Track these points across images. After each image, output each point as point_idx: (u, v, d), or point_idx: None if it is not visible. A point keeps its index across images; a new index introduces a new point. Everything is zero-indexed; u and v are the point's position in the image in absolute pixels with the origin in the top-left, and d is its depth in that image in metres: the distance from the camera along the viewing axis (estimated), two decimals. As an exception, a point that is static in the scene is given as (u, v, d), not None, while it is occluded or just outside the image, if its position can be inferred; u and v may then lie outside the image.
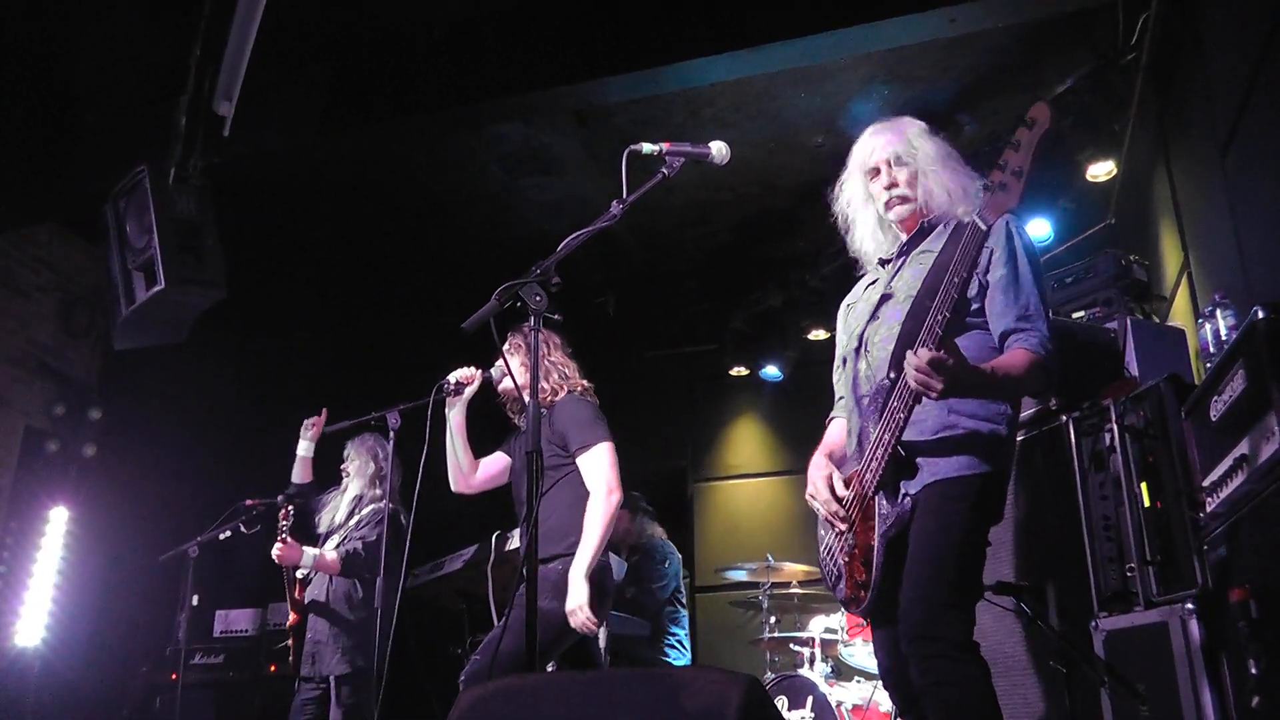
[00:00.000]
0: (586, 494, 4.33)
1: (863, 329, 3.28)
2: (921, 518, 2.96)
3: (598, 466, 4.30)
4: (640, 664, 6.81)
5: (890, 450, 2.97)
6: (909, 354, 2.78)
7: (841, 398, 3.50)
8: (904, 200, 3.29)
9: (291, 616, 6.01)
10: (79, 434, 7.69)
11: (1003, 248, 3.11)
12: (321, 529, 6.16)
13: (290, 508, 5.89)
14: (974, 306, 3.11)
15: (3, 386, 7.33)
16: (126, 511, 7.72)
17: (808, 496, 3.29)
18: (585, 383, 4.63)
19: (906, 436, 3.00)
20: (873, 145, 3.37)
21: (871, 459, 3.03)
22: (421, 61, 5.96)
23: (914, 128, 3.37)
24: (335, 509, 6.18)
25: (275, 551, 5.77)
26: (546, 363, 4.53)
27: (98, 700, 7.50)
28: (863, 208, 3.44)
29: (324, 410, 6.04)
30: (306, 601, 5.97)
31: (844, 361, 3.43)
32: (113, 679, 7.62)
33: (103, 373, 8.05)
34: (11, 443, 7.38)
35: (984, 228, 2.83)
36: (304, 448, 6.13)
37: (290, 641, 6.02)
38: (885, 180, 3.31)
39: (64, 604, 7.34)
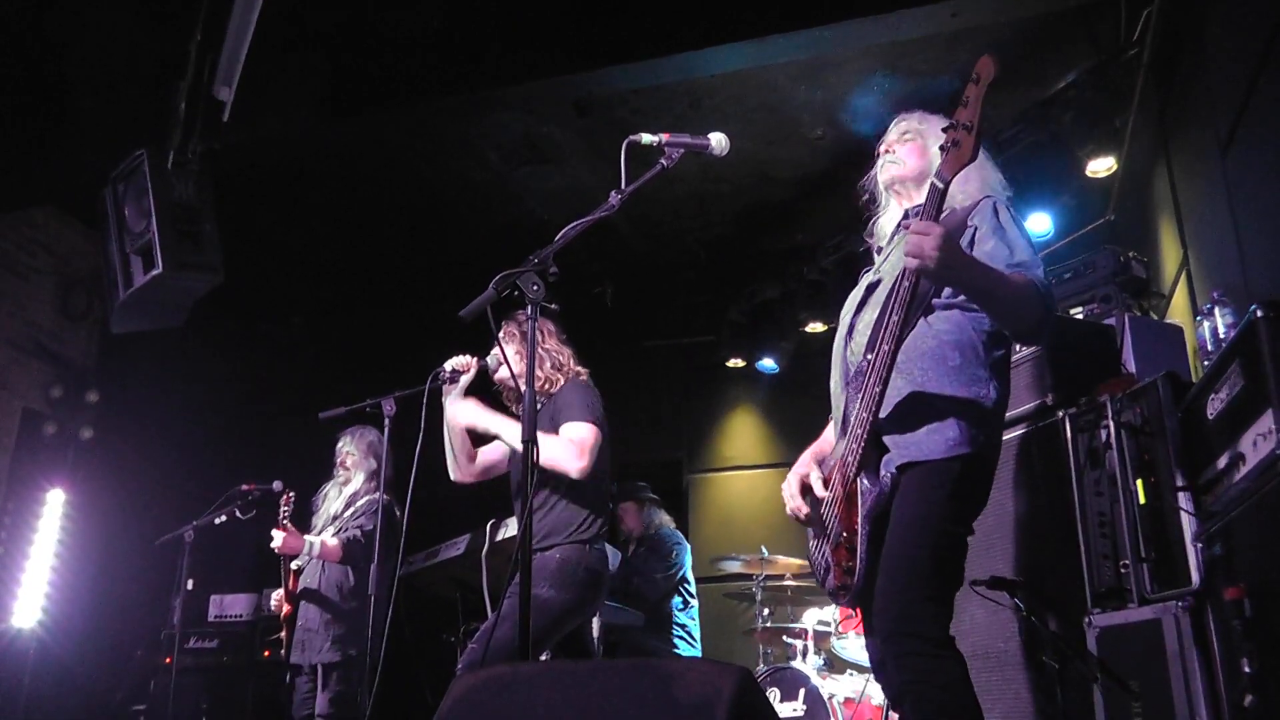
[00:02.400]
0: (584, 482, 4.32)
1: (852, 317, 3.28)
2: (899, 506, 2.93)
3: (577, 434, 4.26)
4: (638, 653, 6.83)
5: (868, 428, 2.95)
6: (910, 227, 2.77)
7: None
8: (892, 162, 3.36)
9: (286, 608, 6.01)
10: (76, 417, 7.69)
11: (988, 221, 3.11)
12: (319, 524, 6.16)
13: (291, 494, 5.88)
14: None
15: (0, 368, 7.33)
16: (123, 494, 7.73)
17: (783, 491, 3.30)
18: (581, 369, 4.62)
19: (882, 414, 2.98)
20: (893, 127, 3.44)
21: (852, 439, 3.01)
22: (421, 49, 5.94)
23: (928, 115, 3.42)
24: (332, 501, 6.18)
25: (277, 540, 5.76)
26: (541, 350, 4.51)
27: (93, 682, 7.51)
28: (884, 195, 3.49)
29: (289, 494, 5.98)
30: (299, 590, 5.98)
31: (835, 350, 3.44)
32: (108, 661, 7.63)
33: (100, 356, 8.05)
34: (9, 425, 7.38)
35: (940, 185, 2.82)
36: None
37: (284, 633, 6.03)
38: (884, 147, 3.39)
39: (60, 586, 7.34)
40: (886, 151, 3.38)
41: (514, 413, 4.67)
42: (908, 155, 3.33)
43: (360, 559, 5.86)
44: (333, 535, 5.92)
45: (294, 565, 6.02)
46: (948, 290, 3.08)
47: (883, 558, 2.90)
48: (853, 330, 3.25)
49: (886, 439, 3.02)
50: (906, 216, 3.33)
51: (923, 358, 3.04)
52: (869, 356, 2.99)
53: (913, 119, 3.40)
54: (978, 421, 2.99)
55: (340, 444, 6.27)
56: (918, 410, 3.00)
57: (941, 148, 2.84)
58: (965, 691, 2.76)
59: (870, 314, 3.17)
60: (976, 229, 3.11)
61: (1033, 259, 3.04)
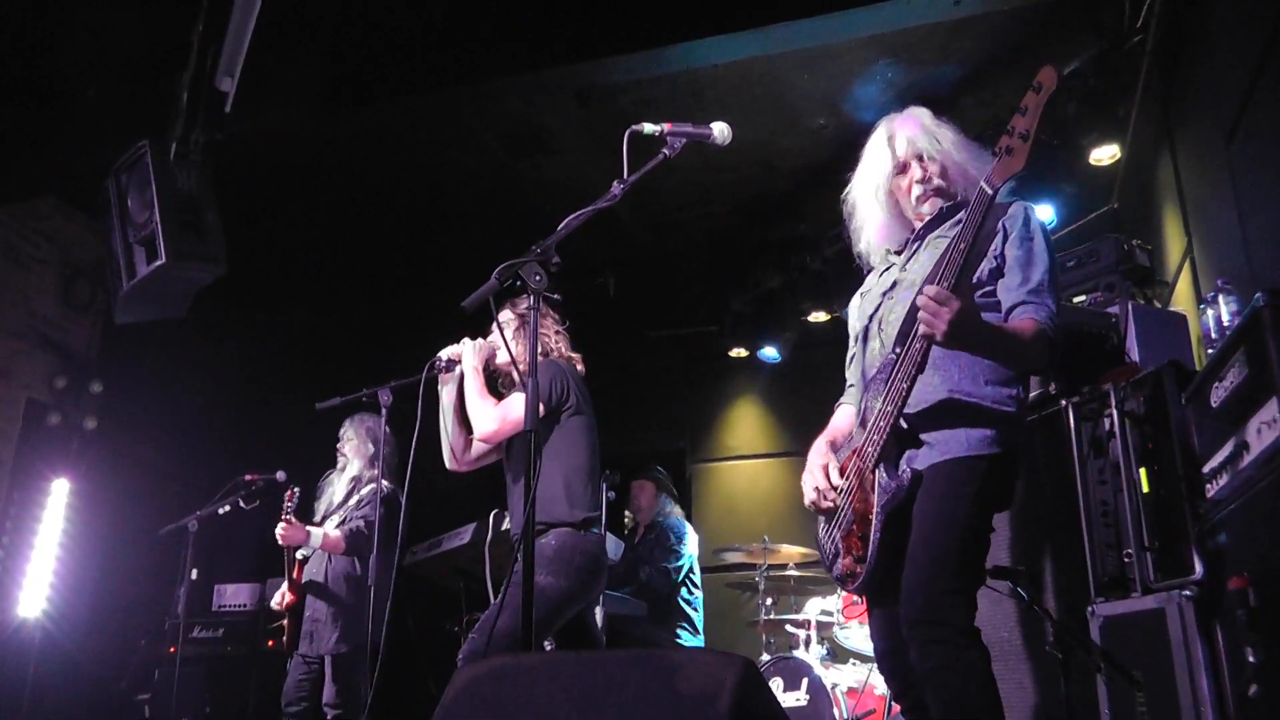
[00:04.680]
0: (574, 464, 4.32)
1: (875, 312, 3.28)
2: (925, 500, 2.95)
3: (508, 405, 4.31)
4: (641, 643, 6.83)
5: (892, 422, 2.96)
6: (921, 290, 2.75)
7: (852, 385, 3.49)
8: (939, 192, 3.26)
9: (289, 597, 6.02)
10: (80, 407, 7.70)
11: (1018, 229, 3.11)
12: (320, 510, 6.17)
13: (295, 490, 5.90)
14: (985, 288, 3.10)
15: (4, 359, 7.33)
16: (127, 485, 7.74)
17: (802, 481, 3.29)
18: (573, 354, 4.61)
19: (910, 410, 2.99)
20: (900, 140, 3.32)
21: (874, 431, 3.02)
22: (422, 40, 5.93)
23: (928, 117, 3.34)
24: (334, 489, 6.19)
25: (280, 532, 5.79)
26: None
27: (97, 671, 7.53)
28: (873, 203, 3.38)
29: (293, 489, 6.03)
30: (304, 581, 5.99)
31: (855, 343, 3.43)
32: (112, 651, 7.65)
33: (104, 346, 8.05)
34: (13, 415, 7.38)
35: (990, 191, 2.81)
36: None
37: (285, 622, 6.04)
38: (918, 174, 3.28)
39: (65, 576, 7.35)
40: (923, 179, 3.27)
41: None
42: (950, 182, 3.26)
43: (366, 549, 5.87)
44: (336, 526, 5.94)
45: (299, 555, 6.03)
46: (982, 293, 3.09)
47: (909, 550, 2.92)
48: (879, 323, 3.26)
49: (922, 435, 3.04)
50: (933, 223, 3.30)
51: (957, 358, 3.05)
52: (897, 350, 3.00)
53: (928, 130, 3.30)
54: (1008, 423, 3.04)
55: (341, 430, 6.30)
56: (953, 410, 3.03)
57: (994, 153, 2.83)
58: (987, 681, 2.78)
59: (898, 311, 3.16)
60: (1008, 232, 3.12)
61: (1048, 286, 3.05)
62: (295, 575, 6.02)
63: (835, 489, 3.17)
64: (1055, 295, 3.06)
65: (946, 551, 2.86)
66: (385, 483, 6.04)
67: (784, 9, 5.30)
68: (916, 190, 3.29)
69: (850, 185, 3.47)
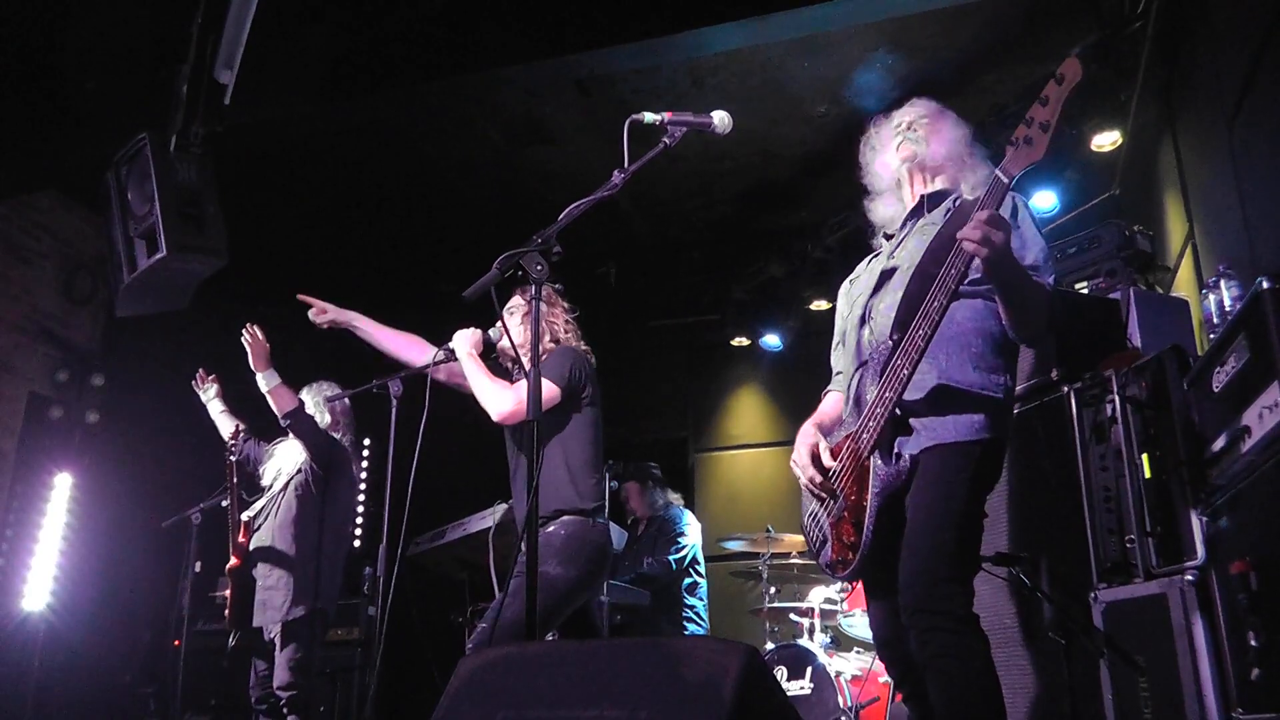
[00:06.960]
0: (580, 451, 4.31)
1: (867, 301, 3.29)
2: (921, 487, 2.96)
3: (524, 388, 4.19)
4: (646, 633, 6.84)
5: (891, 408, 2.97)
6: (974, 215, 2.82)
7: (839, 373, 3.51)
8: (912, 140, 3.36)
9: (234, 560, 5.82)
10: (82, 400, 7.71)
11: (1007, 216, 3.13)
12: (268, 475, 6.10)
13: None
14: (976, 275, 3.10)
15: (6, 353, 7.34)
16: (130, 478, 7.75)
17: (791, 463, 3.31)
18: (582, 344, 4.59)
19: (905, 397, 3.00)
20: (903, 110, 3.45)
21: (870, 418, 3.04)
22: (423, 29, 5.92)
23: (940, 107, 3.46)
24: (282, 458, 6.10)
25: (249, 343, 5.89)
26: (544, 321, 4.48)
27: (101, 665, 7.54)
28: (880, 178, 3.48)
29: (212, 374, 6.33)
30: (253, 548, 5.83)
31: (844, 335, 3.44)
32: (116, 644, 7.66)
33: (105, 339, 8.06)
34: (15, 409, 7.40)
35: (1005, 180, 2.89)
36: (214, 407, 6.28)
37: (229, 591, 5.82)
38: (903, 125, 3.39)
39: (69, 569, 7.37)
40: (907, 128, 3.38)
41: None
42: (929, 137, 3.36)
43: (310, 437, 5.83)
44: (281, 488, 5.92)
45: (244, 516, 5.91)
46: (971, 282, 3.11)
47: (906, 539, 2.94)
48: (869, 312, 3.27)
49: (913, 421, 3.05)
50: (924, 205, 3.34)
51: (948, 343, 3.08)
52: (894, 337, 3.01)
53: (927, 106, 3.43)
54: (998, 408, 3.07)
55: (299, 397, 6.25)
56: (944, 395, 3.05)
57: (1011, 142, 2.88)
58: (986, 667, 2.81)
59: (890, 298, 3.18)
60: None
61: (1046, 263, 3.12)
62: (241, 538, 5.83)
63: (826, 471, 3.18)
64: (1052, 274, 3.13)
65: (944, 539, 2.88)
66: (344, 437, 6.01)
67: (784, -3, 5.30)
68: (897, 138, 3.39)
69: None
